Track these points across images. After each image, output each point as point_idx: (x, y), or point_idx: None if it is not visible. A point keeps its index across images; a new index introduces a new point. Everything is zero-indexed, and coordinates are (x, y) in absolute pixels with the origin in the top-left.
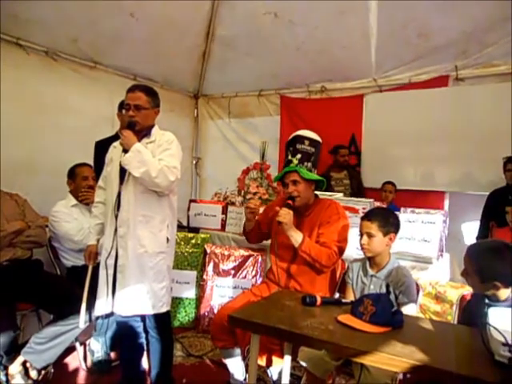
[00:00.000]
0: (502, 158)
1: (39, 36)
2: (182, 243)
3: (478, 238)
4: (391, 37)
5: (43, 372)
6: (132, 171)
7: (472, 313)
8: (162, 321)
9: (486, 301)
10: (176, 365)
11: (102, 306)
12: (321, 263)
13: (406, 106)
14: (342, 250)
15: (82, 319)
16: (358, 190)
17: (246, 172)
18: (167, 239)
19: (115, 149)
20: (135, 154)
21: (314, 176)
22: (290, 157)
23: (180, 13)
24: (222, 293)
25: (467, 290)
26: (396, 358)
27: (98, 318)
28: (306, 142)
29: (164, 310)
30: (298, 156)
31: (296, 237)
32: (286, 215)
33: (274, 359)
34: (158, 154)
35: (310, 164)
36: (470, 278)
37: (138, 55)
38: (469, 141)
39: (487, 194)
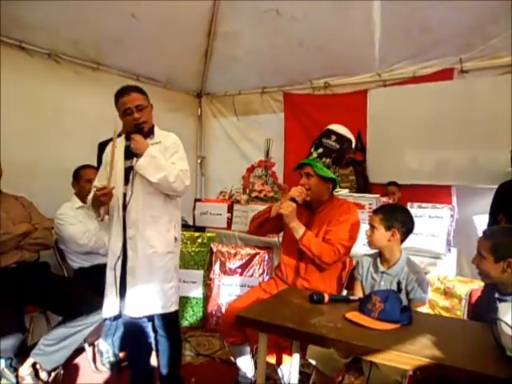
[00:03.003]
0: (509, 150)
1: (42, 38)
2: (189, 242)
3: None
4: (394, 31)
5: (53, 373)
6: (149, 177)
7: (483, 308)
8: (171, 320)
9: (497, 295)
10: (185, 364)
11: (110, 308)
12: (320, 258)
13: (411, 100)
14: (347, 249)
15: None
16: (363, 186)
17: (251, 170)
18: (175, 239)
19: (115, 149)
20: (150, 159)
21: (327, 173)
22: (312, 149)
23: (181, 11)
24: (229, 291)
25: (477, 285)
26: (405, 355)
27: (106, 318)
28: (333, 137)
29: (173, 309)
30: (320, 150)
31: (298, 229)
32: (287, 207)
33: (284, 357)
34: (169, 158)
35: (329, 160)
36: (483, 260)
37: (139, 55)
38: (475, 134)
39: (495, 187)
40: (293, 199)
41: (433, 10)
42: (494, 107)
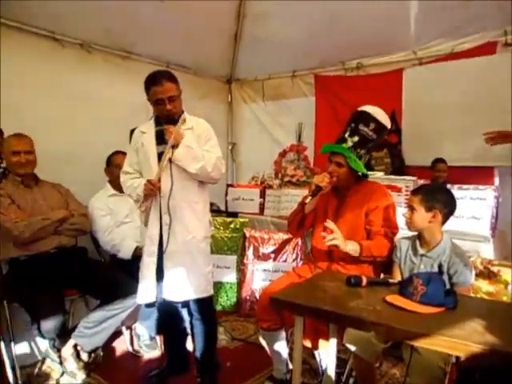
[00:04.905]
0: None
1: (74, 29)
2: (221, 228)
3: None
4: (431, 5)
5: (93, 355)
6: (187, 168)
7: None
8: (207, 303)
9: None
10: (220, 348)
11: (146, 295)
12: (382, 257)
13: (449, 78)
14: (395, 236)
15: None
16: (399, 168)
17: (283, 155)
18: (209, 223)
19: (145, 134)
20: (187, 149)
21: (361, 168)
22: (346, 134)
23: None
24: (262, 276)
25: None
26: (452, 339)
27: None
28: (371, 126)
29: (212, 292)
30: (355, 139)
31: (354, 248)
32: (336, 237)
33: (321, 342)
34: (203, 145)
35: (363, 151)
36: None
37: (169, 42)
38: None
39: None
40: (318, 186)
41: None
42: None
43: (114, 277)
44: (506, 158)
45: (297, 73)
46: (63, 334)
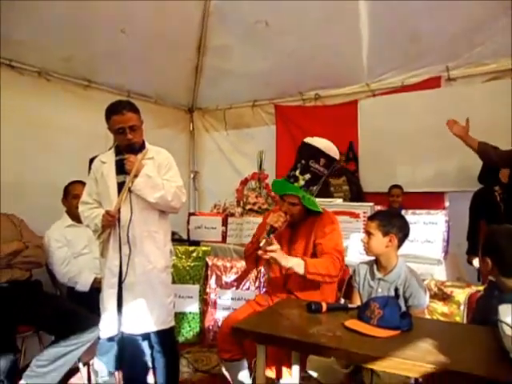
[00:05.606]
0: None
1: (32, 57)
2: (184, 257)
3: (468, 238)
4: (382, 41)
5: None
6: (146, 197)
7: (484, 310)
8: (168, 336)
9: (496, 293)
10: (182, 381)
11: (109, 328)
12: (331, 275)
13: (401, 109)
14: (342, 256)
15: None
16: (357, 195)
17: (245, 182)
18: (170, 252)
19: (105, 164)
20: (146, 179)
21: (315, 205)
22: (297, 172)
23: (171, 27)
24: (225, 305)
25: (474, 290)
26: (407, 361)
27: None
28: (322, 161)
29: (172, 324)
30: (307, 176)
31: (298, 264)
32: (276, 250)
33: (284, 370)
34: (163, 175)
35: (315, 188)
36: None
37: (130, 72)
38: None
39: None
40: (272, 227)
41: (419, 20)
42: (480, 113)
43: (70, 310)
44: (456, 183)
45: (257, 102)
46: (13, 376)
